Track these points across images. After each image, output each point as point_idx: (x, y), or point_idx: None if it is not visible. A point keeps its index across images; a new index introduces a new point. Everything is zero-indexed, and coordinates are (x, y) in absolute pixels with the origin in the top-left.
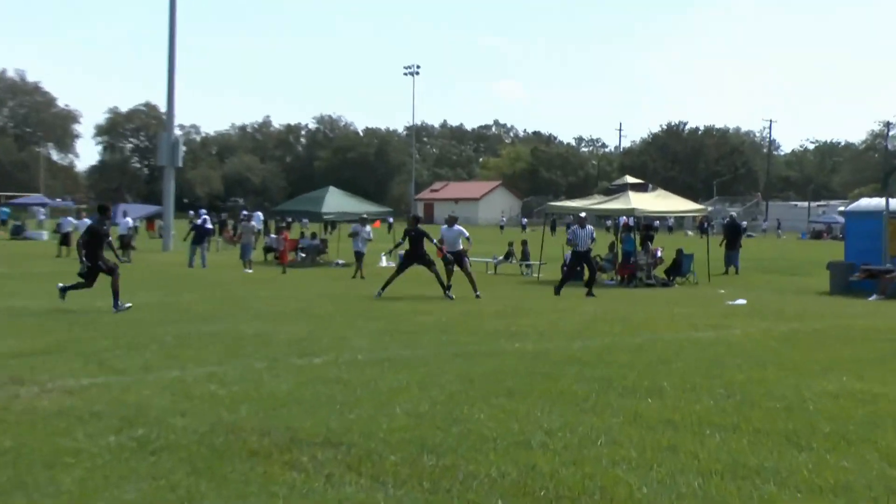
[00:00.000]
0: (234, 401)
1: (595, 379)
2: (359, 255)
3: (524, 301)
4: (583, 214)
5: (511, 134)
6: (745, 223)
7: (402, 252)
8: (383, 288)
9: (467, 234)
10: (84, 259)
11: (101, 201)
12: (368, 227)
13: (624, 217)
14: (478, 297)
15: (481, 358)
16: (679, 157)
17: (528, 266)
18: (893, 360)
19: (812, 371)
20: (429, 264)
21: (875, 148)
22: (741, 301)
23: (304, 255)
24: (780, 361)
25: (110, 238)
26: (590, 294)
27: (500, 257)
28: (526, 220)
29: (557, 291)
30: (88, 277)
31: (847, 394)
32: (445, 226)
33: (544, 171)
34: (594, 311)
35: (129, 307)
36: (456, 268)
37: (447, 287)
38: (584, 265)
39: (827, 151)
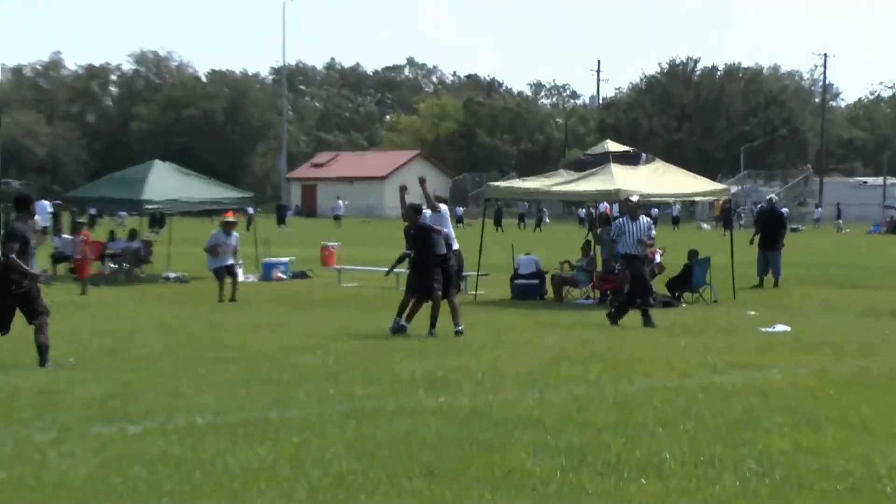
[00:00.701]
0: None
1: (561, 450)
2: (222, 271)
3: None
4: (634, 198)
5: (433, 79)
6: (787, 210)
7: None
8: (405, 318)
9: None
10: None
11: None
12: (236, 235)
13: (605, 203)
14: (458, 332)
15: (387, 419)
16: (688, 111)
17: (460, 279)
18: None
19: (889, 433)
20: (432, 287)
21: None
22: (782, 328)
23: (115, 265)
24: (841, 418)
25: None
26: (614, 320)
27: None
28: (462, 209)
29: (616, 319)
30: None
31: None
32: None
33: (484, 135)
34: (560, 344)
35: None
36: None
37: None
38: (633, 275)
39: None
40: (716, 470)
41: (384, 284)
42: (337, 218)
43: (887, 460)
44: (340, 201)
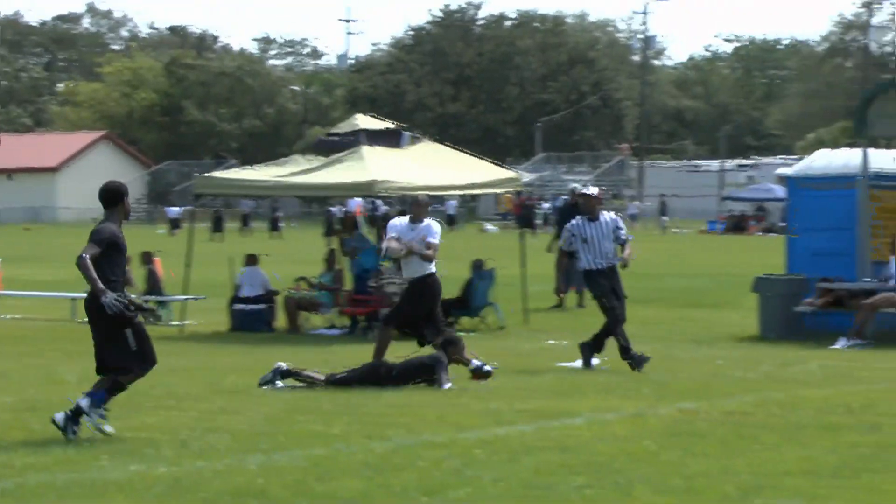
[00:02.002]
0: None
1: None
2: None
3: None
4: (591, 190)
5: (124, 33)
6: None
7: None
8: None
9: (436, 234)
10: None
11: None
12: None
13: (356, 200)
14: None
15: (56, 498)
16: (468, 73)
17: (160, 305)
18: (871, 467)
19: (722, 494)
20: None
21: (846, 52)
22: (590, 362)
23: None
24: (660, 478)
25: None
26: (588, 360)
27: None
28: (178, 209)
29: (629, 356)
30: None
31: None
32: (399, 220)
33: (194, 109)
34: (293, 390)
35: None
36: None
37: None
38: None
39: (755, 59)
40: None
41: (58, 316)
42: None
43: None
44: None
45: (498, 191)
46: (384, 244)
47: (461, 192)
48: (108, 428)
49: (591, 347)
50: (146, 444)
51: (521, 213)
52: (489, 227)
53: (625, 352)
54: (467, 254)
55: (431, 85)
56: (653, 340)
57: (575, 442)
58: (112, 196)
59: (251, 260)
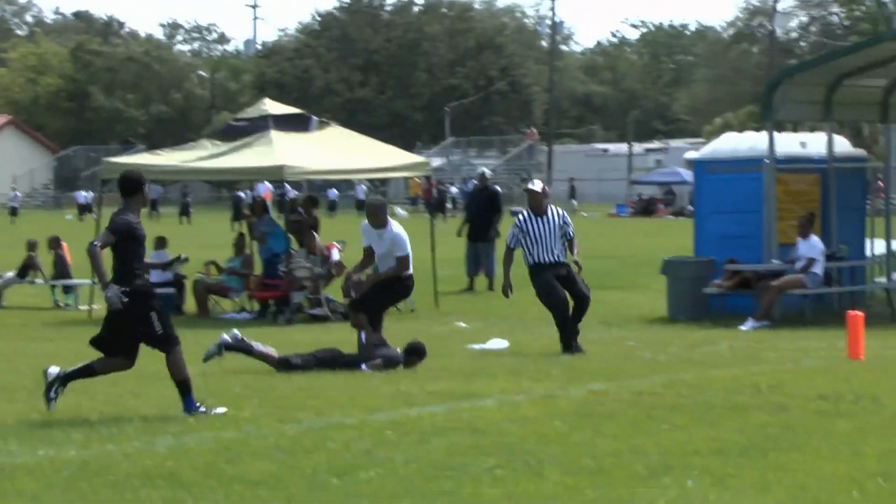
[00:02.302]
0: None
1: None
2: None
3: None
4: (535, 185)
5: (28, 18)
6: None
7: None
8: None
9: (405, 245)
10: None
11: None
12: None
13: (265, 184)
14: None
15: None
16: (376, 59)
17: (66, 291)
18: (778, 446)
19: (631, 473)
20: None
21: (752, 38)
22: (499, 344)
23: None
24: (570, 459)
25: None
26: (569, 348)
27: (11, 273)
28: (86, 195)
29: (569, 347)
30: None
31: None
32: (366, 223)
33: (101, 95)
34: (203, 374)
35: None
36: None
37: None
38: (575, 294)
39: (662, 45)
40: None
41: None
42: None
43: None
44: None
45: (407, 175)
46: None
47: (370, 177)
48: (220, 409)
49: (565, 344)
50: (55, 429)
51: (432, 198)
52: (399, 211)
53: (566, 341)
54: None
55: (339, 70)
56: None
57: (485, 423)
58: (131, 185)
59: (160, 243)
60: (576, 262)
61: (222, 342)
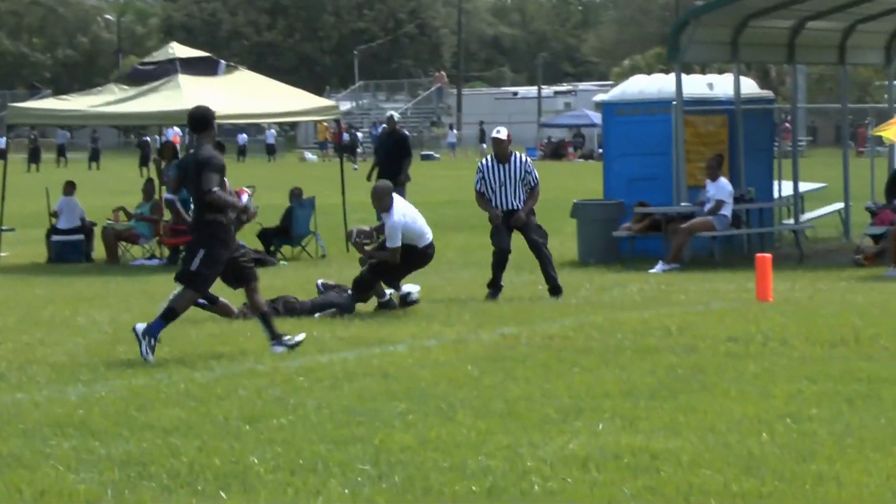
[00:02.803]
0: None
1: (114, 461)
2: None
3: None
4: (501, 133)
5: None
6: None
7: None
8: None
9: (396, 233)
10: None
11: None
12: None
13: (174, 129)
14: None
15: None
16: (283, 2)
17: None
18: (688, 388)
19: (542, 417)
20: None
21: None
22: (410, 288)
23: None
24: (482, 403)
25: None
26: (555, 292)
27: None
28: None
29: (494, 294)
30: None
31: (605, 456)
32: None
33: (6, 39)
34: (113, 321)
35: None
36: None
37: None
38: (528, 243)
39: None
40: (319, 476)
41: None
42: None
43: (536, 453)
44: None
45: (316, 119)
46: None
47: (279, 121)
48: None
49: (492, 290)
50: None
51: (341, 142)
52: (309, 155)
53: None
54: (287, 183)
55: (247, 13)
56: (472, 266)
57: (396, 368)
58: (204, 120)
59: (69, 188)
60: (520, 211)
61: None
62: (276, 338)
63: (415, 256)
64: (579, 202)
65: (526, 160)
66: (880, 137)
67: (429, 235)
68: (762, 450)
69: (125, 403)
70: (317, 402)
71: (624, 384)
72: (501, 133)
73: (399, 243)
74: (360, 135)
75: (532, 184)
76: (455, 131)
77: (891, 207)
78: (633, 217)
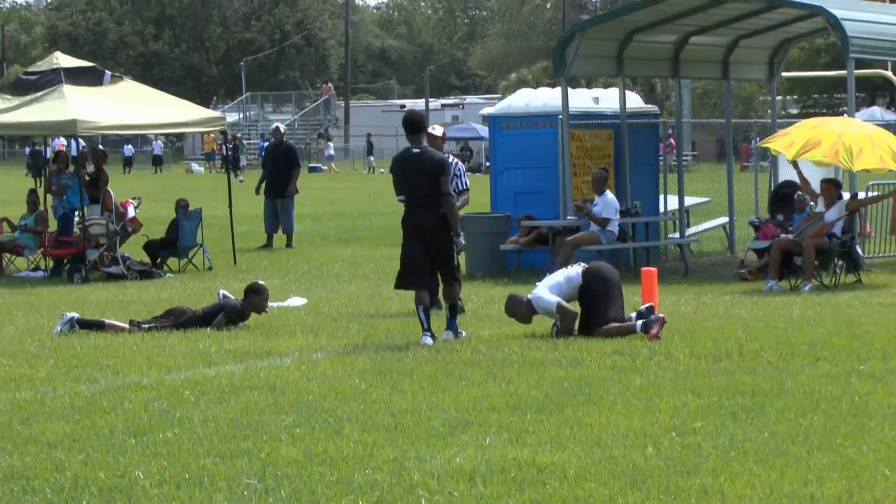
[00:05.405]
0: None
1: None
2: None
3: None
4: (436, 130)
5: None
6: (300, 146)
7: None
8: None
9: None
10: None
11: None
12: None
13: (59, 138)
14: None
15: None
16: (170, 13)
17: None
18: (574, 401)
19: (429, 430)
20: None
21: None
22: (297, 301)
23: None
24: (367, 417)
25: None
26: (438, 305)
27: None
28: None
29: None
30: None
31: (491, 469)
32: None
33: None
34: None
35: None
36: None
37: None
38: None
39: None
40: (205, 490)
41: None
42: None
43: (423, 466)
44: None
45: (202, 130)
46: None
47: (165, 132)
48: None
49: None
50: None
51: (227, 154)
52: (196, 167)
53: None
54: (173, 194)
55: (133, 23)
56: (359, 279)
57: (283, 381)
58: (419, 125)
59: None
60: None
61: (71, 319)
62: None
63: None
64: (466, 215)
65: (458, 164)
66: (765, 152)
67: None
68: (647, 463)
69: (8, 416)
70: (203, 415)
71: (510, 397)
72: (437, 130)
73: None
74: (244, 144)
75: (459, 188)
76: (332, 144)
77: (774, 222)
78: (520, 230)
